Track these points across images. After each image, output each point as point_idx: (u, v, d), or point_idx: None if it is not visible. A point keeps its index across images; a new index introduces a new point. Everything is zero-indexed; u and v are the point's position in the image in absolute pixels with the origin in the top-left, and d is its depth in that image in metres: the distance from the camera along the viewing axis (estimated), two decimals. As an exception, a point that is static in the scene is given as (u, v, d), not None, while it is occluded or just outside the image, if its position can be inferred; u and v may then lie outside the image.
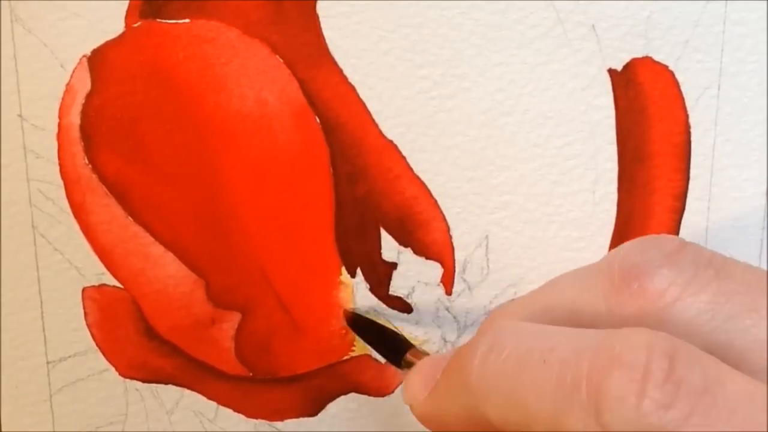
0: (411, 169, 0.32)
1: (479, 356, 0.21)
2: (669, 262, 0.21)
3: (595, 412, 0.19)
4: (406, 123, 0.31)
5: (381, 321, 0.33)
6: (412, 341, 0.30)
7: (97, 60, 0.30)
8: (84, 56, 0.30)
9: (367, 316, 0.33)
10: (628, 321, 0.20)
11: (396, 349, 0.29)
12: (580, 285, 0.22)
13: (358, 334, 0.33)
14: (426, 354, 0.28)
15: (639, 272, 0.21)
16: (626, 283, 0.21)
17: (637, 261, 0.21)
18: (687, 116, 0.32)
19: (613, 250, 0.22)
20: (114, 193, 0.31)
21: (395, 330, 0.32)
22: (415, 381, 0.25)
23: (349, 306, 0.33)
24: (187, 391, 0.34)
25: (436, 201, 0.32)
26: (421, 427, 0.34)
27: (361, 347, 0.34)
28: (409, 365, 0.28)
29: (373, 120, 0.31)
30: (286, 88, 0.31)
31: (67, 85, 0.30)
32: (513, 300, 0.25)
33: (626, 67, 0.31)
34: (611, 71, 0.31)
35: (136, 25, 0.30)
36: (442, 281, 0.33)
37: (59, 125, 0.30)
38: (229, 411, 0.34)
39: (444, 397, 0.23)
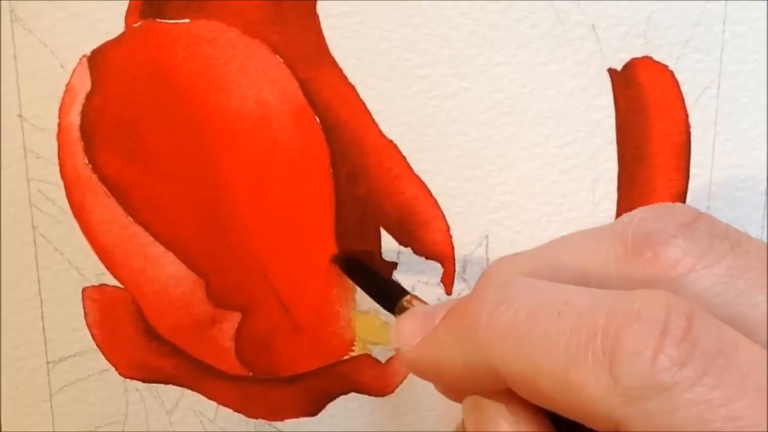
0: (411, 169, 0.32)
1: (488, 306, 0.21)
2: (684, 232, 0.21)
3: (609, 364, 0.18)
4: (406, 123, 0.31)
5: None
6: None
7: (97, 60, 0.30)
8: (84, 56, 0.30)
9: (362, 261, 0.32)
10: (639, 286, 0.20)
11: (390, 296, 0.28)
12: (591, 247, 0.22)
13: (351, 278, 0.32)
14: (422, 302, 0.27)
15: (653, 240, 0.21)
16: (639, 251, 0.21)
17: (652, 228, 0.21)
18: (687, 116, 0.32)
19: (626, 215, 0.22)
20: (114, 193, 0.31)
21: (391, 279, 0.32)
22: (408, 324, 0.24)
23: (351, 306, 0.33)
24: (187, 391, 0.34)
25: (436, 201, 0.32)
26: (422, 427, 0.34)
27: (361, 347, 0.34)
28: (403, 311, 0.27)
29: (373, 120, 0.31)
30: (286, 88, 0.31)
31: (67, 85, 0.30)
32: (515, 254, 0.24)
33: (626, 67, 0.31)
34: (611, 71, 0.31)
35: (136, 25, 0.30)
36: (442, 281, 0.33)
37: (59, 125, 0.30)
38: (229, 411, 0.34)
39: (442, 343, 0.23)
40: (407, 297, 0.28)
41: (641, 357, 0.18)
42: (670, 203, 0.22)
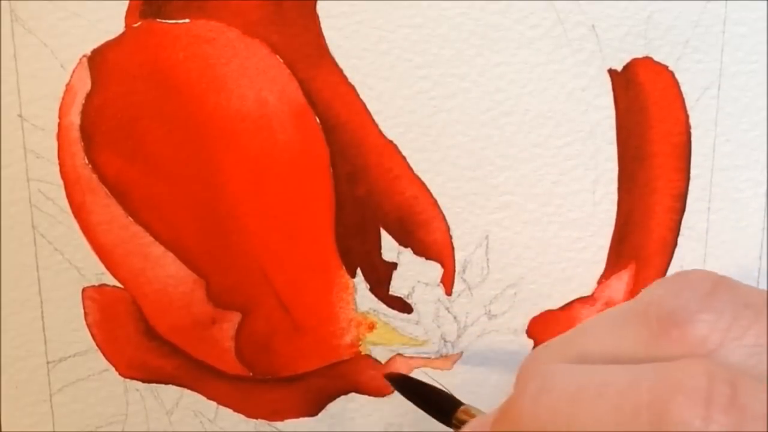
0: (411, 169, 0.32)
1: (529, 398, 0.21)
2: (705, 305, 0.20)
3: None
4: (406, 123, 0.31)
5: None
6: (410, 339, 0.30)
7: (97, 60, 0.30)
8: (84, 56, 0.30)
9: (411, 376, 0.33)
10: None
11: (444, 408, 0.29)
12: (617, 333, 0.22)
13: (404, 395, 0.32)
14: (477, 411, 0.28)
15: (677, 319, 0.20)
16: (665, 331, 0.20)
17: (674, 307, 0.20)
18: (687, 116, 0.32)
19: (645, 291, 0.22)
20: (114, 193, 0.31)
21: (441, 388, 0.32)
22: None
23: (351, 306, 0.33)
24: (187, 391, 0.34)
25: (436, 201, 0.32)
26: (422, 427, 0.34)
27: (361, 347, 0.34)
28: (461, 423, 0.28)
29: (373, 120, 0.31)
30: (286, 88, 0.31)
31: (67, 85, 0.30)
32: (543, 345, 0.24)
33: (626, 67, 0.31)
34: (611, 71, 0.31)
35: (136, 25, 0.30)
36: (442, 281, 0.33)
37: (59, 125, 0.30)
38: (229, 411, 0.34)
39: None
40: (463, 407, 0.29)
41: (691, 427, 0.18)
42: (687, 273, 0.22)
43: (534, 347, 0.33)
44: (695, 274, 0.21)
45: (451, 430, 0.29)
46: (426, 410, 0.31)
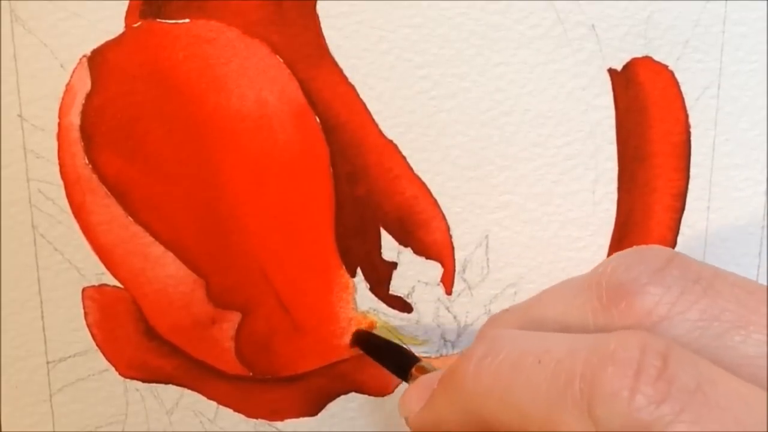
0: (411, 169, 0.32)
1: (474, 361, 0.22)
2: (655, 279, 0.21)
3: (588, 407, 0.19)
4: (406, 123, 0.31)
5: (386, 335, 0.33)
6: (410, 339, 0.30)
7: (97, 60, 0.30)
8: (84, 56, 0.30)
9: (373, 331, 0.33)
10: None
11: (403, 364, 0.30)
12: (569, 301, 0.22)
13: (365, 351, 0.33)
14: (431, 368, 0.28)
15: (625, 291, 0.21)
16: (614, 302, 0.21)
17: (624, 279, 0.21)
18: (687, 116, 0.32)
19: (601, 263, 0.22)
20: (114, 193, 0.31)
21: (401, 345, 0.32)
22: (411, 394, 0.25)
23: (351, 306, 0.33)
24: (187, 391, 0.34)
25: (436, 201, 0.32)
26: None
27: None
28: (414, 378, 0.28)
29: (373, 120, 0.31)
30: (286, 88, 0.31)
31: (67, 85, 0.30)
32: (504, 310, 0.25)
33: (626, 67, 0.31)
34: (611, 71, 0.31)
35: (136, 25, 0.30)
36: (442, 281, 0.33)
37: (59, 125, 0.30)
38: (229, 411, 0.34)
39: (440, 405, 0.24)
40: (417, 365, 0.29)
41: (618, 398, 0.18)
42: (643, 248, 0.22)
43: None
44: (650, 250, 0.22)
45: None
46: (386, 366, 0.31)
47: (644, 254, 0.22)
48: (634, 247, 0.22)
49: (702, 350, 0.20)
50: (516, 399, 0.20)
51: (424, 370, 0.28)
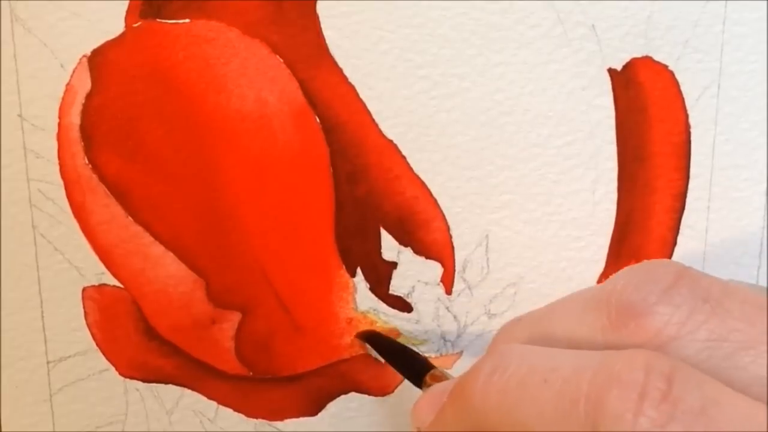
0: (411, 169, 0.32)
1: (483, 377, 0.22)
2: (665, 299, 0.21)
3: (593, 429, 0.19)
4: (406, 123, 0.31)
5: (400, 340, 0.33)
6: (412, 339, 0.30)
7: (97, 60, 0.30)
8: (84, 56, 0.30)
9: (387, 335, 0.33)
10: None
11: (417, 371, 0.30)
12: (579, 317, 0.22)
13: (381, 354, 0.33)
14: (444, 376, 0.28)
15: (635, 311, 0.21)
16: (623, 322, 0.21)
17: (633, 298, 0.21)
18: (687, 116, 0.32)
19: (609, 280, 0.22)
20: (114, 193, 0.31)
21: (415, 350, 0.32)
22: (423, 405, 0.25)
23: (351, 306, 0.33)
24: (187, 391, 0.34)
25: (436, 201, 0.32)
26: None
27: (361, 347, 0.34)
28: (428, 386, 0.28)
29: (373, 120, 0.31)
30: (286, 88, 0.31)
31: (67, 85, 0.30)
32: (515, 320, 0.25)
33: (626, 67, 0.31)
34: (611, 71, 0.31)
35: (136, 25, 0.30)
36: (442, 281, 0.33)
37: (59, 125, 0.30)
38: (229, 411, 0.34)
39: (449, 419, 0.24)
40: (431, 373, 0.29)
41: (622, 420, 0.18)
42: (651, 264, 0.22)
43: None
44: (660, 266, 0.22)
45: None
46: (400, 371, 0.31)
47: (654, 271, 0.21)
48: (644, 261, 0.22)
49: (711, 371, 0.20)
50: (522, 417, 0.20)
51: (437, 378, 0.28)
